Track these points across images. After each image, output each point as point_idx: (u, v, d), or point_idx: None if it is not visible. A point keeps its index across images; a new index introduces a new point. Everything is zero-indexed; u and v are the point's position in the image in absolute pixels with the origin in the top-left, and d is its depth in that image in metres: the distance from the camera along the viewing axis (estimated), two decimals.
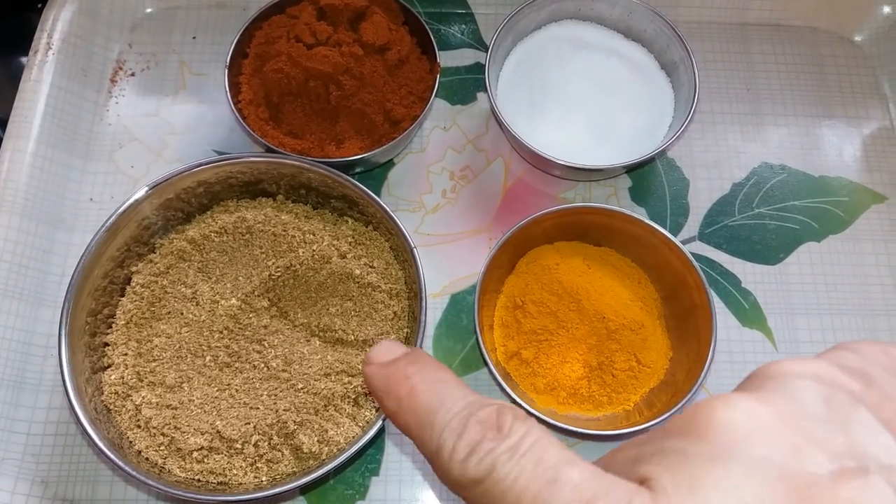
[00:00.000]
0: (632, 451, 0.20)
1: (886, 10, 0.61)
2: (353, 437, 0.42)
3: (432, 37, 0.52)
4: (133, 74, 0.57)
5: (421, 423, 0.22)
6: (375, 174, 0.54)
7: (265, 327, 0.45)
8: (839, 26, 0.62)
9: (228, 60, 0.51)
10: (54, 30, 0.55)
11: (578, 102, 0.52)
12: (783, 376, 0.20)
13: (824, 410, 0.19)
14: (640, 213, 0.52)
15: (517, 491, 0.19)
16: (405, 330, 0.46)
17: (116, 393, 0.43)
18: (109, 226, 0.44)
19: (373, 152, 0.49)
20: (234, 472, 0.41)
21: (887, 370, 0.20)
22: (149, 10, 0.59)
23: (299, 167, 0.47)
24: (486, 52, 0.52)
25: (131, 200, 0.44)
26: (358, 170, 0.53)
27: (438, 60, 0.52)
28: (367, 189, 0.46)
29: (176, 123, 0.55)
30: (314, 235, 0.47)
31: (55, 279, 0.50)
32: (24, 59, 0.60)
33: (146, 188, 0.45)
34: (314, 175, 0.47)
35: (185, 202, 0.47)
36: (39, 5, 0.58)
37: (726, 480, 0.17)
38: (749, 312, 0.52)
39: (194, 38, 0.58)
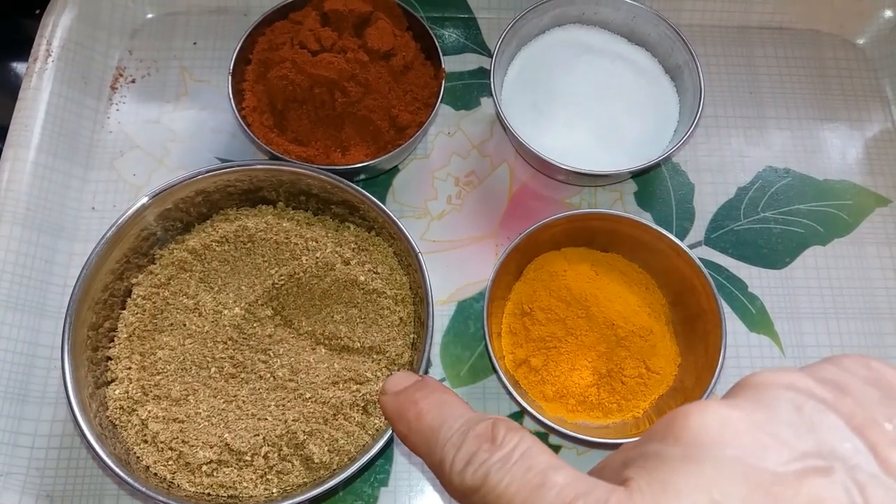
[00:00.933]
0: (620, 456, 0.21)
1: (888, 13, 0.61)
2: (364, 446, 0.42)
3: (437, 42, 0.52)
4: (134, 81, 0.56)
5: (427, 441, 0.25)
6: (380, 181, 0.54)
7: (270, 336, 0.45)
8: (841, 29, 0.62)
9: (232, 67, 0.50)
10: (53, 36, 0.54)
11: (583, 107, 0.52)
12: (760, 386, 0.21)
13: (795, 416, 0.20)
14: (646, 218, 0.52)
15: (509, 496, 0.21)
16: (412, 335, 0.46)
17: (122, 408, 0.42)
18: (109, 238, 0.43)
19: (379, 159, 0.49)
20: (245, 484, 0.40)
21: (866, 381, 0.21)
22: (149, 15, 0.58)
23: (298, 173, 0.46)
24: (489, 56, 0.52)
25: (129, 212, 0.44)
26: (362, 176, 0.53)
27: (443, 66, 0.52)
28: (367, 193, 0.46)
29: (177, 130, 0.55)
30: (317, 242, 0.46)
31: (57, 290, 0.49)
32: (16, 65, 0.59)
33: (145, 198, 0.44)
34: (313, 181, 0.47)
35: (184, 212, 0.47)
36: (37, 11, 0.57)
37: (696, 479, 0.19)
38: (756, 317, 0.52)
39: (195, 43, 0.58)
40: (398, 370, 0.44)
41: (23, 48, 0.55)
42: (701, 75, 0.51)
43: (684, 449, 0.19)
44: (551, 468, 0.21)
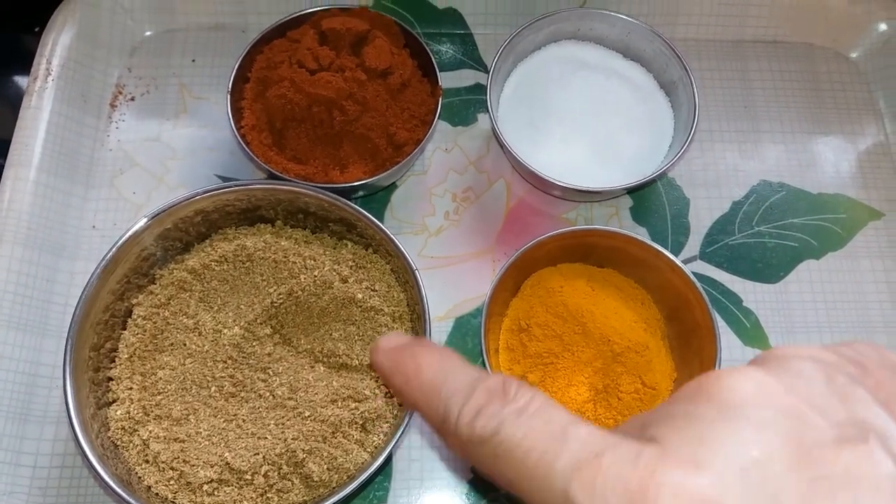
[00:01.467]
0: (637, 421, 0.21)
1: (881, 26, 0.61)
2: (363, 464, 0.43)
3: (434, 60, 0.52)
4: (133, 99, 0.57)
5: (427, 396, 0.23)
6: (378, 197, 0.54)
7: (269, 355, 0.45)
8: (834, 43, 0.62)
9: (230, 86, 0.51)
10: (53, 55, 0.54)
11: (579, 123, 0.53)
12: (787, 358, 0.21)
13: (826, 387, 0.20)
14: (641, 233, 0.53)
15: (525, 448, 0.20)
16: None
17: (123, 428, 0.42)
18: (108, 259, 0.44)
19: (377, 177, 0.49)
20: (245, 503, 0.41)
21: (881, 365, 0.22)
22: (148, 33, 0.59)
23: (296, 192, 0.47)
24: (486, 72, 0.52)
25: (129, 233, 0.44)
26: (361, 193, 0.53)
27: (440, 84, 0.52)
28: (364, 211, 0.46)
29: (177, 148, 0.55)
30: (315, 261, 0.47)
31: (59, 309, 0.49)
32: (17, 79, 0.59)
33: (144, 219, 0.45)
34: (311, 199, 0.47)
35: (184, 231, 0.47)
36: (37, 29, 0.58)
37: (734, 436, 0.18)
38: (751, 331, 0.52)
39: (194, 60, 0.58)
40: None
41: (23, 63, 0.56)
42: (696, 91, 0.52)
43: (718, 408, 0.19)
44: (572, 422, 0.20)
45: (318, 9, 0.53)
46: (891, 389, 0.20)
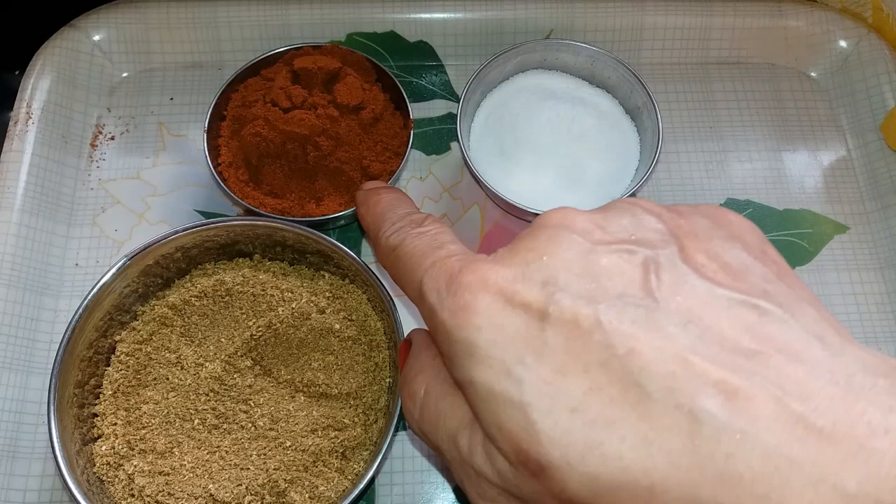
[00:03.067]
0: None
1: (841, 43, 0.63)
2: (344, 491, 0.44)
3: (404, 93, 0.54)
4: (113, 138, 0.58)
5: (375, 218, 0.33)
6: (356, 227, 0.56)
7: (250, 387, 0.46)
8: (796, 62, 0.64)
9: (206, 124, 0.52)
10: (33, 99, 0.56)
11: (548, 150, 0.54)
12: (615, 202, 0.28)
13: (628, 220, 0.26)
14: None
15: (412, 253, 0.29)
16: (388, 380, 0.48)
17: (108, 464, 0.43)
18: (91, 297, 0.45)
19: (352, 209, 0.51)
20: None
21: (705, 216, 0.26)
22: (125, 74, 0.60)
23: (273, 227, 0.48)
24: (458, 101, 0.54)
25: (111, 271, 0.45)
26: (342, 223, 0.55)
27: (411, 117, 0.54)
28: (339, 244, 0.47)
29: (157, 185, 0.57)
30: (292, 293, 0.48)
31: (44, 346, 0.50)
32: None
33: (125, 258, 0.46)
34: (289, 233, 0.48)
35: (164, 268, 0.48)
36: (17, 72, 0.59)
37: (533, 243, 0.25)
38: None
39: (171, 99, 0.60)
40: (374, 415, 0.46)
41: (7, 102, 0.58)
42: (659, 116, 0.54)
43: (532, 229, 0.26)
44: (452, 242, 0.28)
45: (291, 47, 0.54)
46: (693, 229, 0.25)
